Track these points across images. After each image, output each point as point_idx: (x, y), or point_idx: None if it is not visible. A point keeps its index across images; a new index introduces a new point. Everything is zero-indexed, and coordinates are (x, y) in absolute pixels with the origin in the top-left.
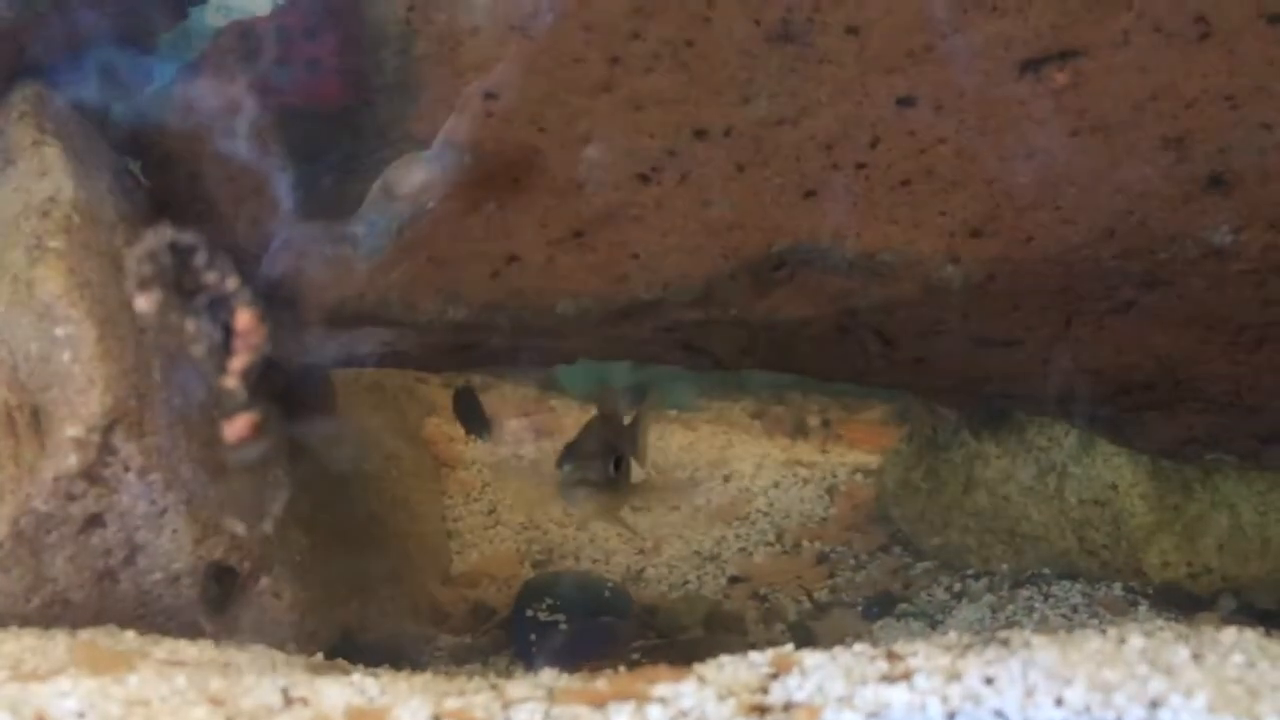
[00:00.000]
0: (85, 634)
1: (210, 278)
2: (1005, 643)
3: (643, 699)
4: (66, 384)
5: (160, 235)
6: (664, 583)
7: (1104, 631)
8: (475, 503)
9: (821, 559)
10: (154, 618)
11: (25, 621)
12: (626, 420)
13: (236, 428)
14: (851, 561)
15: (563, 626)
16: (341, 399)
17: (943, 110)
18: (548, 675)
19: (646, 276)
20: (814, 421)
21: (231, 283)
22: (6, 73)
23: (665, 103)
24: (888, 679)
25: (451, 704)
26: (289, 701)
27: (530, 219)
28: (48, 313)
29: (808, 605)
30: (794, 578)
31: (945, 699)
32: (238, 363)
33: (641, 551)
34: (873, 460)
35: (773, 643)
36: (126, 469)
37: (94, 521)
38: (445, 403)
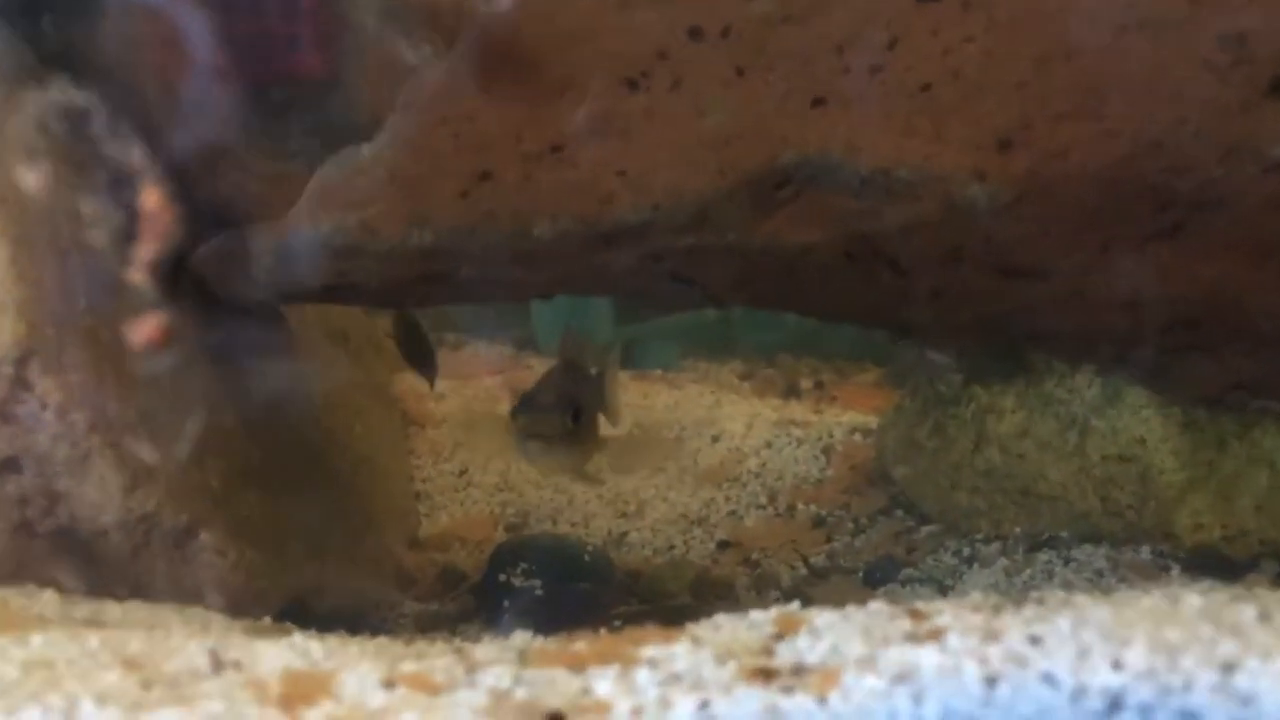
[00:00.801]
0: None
1: (111, 149)
2: (1041, 601)
3: (629, 661)
4: None
5: (50, 96)
6: (648, 547)
7: (1147, 592)
8: (446, 463)
9: (818, 522)
10: (74, 576)
11: None
12: (594, 372)
13: (145, 330)
14: (850, 525)
15: (538, 592)
16: (302, 349)
17: (970, 5)
18: (519, 637)
19: (633, 196)
20: (806, 384)
21: (136, 155)
22: None
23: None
24: (914, 639)
25: (407, 668)
26: (218, 665)
27: (504, 131)
28: None
29: (803, 571)
30: (788, 542)
31: (984, 661)
32: (145, 251)
33: (624, 515)
34: (871, 420)
35: None
36: (43, 407)
37: (7, 466)
38: None
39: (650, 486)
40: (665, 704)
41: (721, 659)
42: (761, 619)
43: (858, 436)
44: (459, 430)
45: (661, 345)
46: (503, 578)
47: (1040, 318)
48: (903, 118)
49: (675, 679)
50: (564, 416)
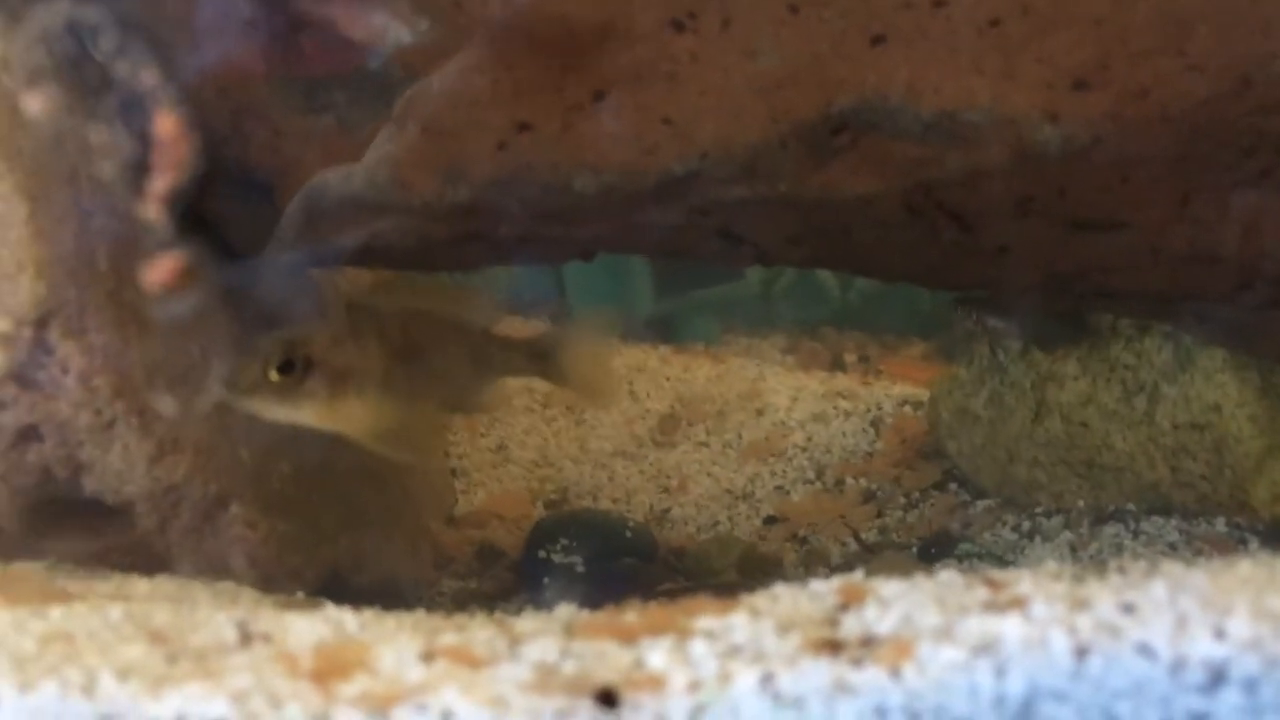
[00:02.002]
0: (17, 566)
1: (122, 69)
2: (1124, 571)
3: (683, 633)
4: None
5: (55, 12)
6: (691, 523)
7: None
8: (483, 439)
9: (868, 497)
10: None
11: None
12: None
13: (160, 270)
14: (902, 500)
15: (580, 569)
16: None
17: None
18: (564, 610)
19: (680, 145)
20: (850, 358)
21: (149, 77)
22: None
23: None
24: (993, 608)
25: (447, 641)
26: (247, 638)
27: (544, 79)
28: None
29: (854, 547)
30: (837, 518)
31: (1073, 630)
32: (160, 183)
33: (666, 490)
34: (921, 392)
35: None
36: (64, 371)
37: (27, 435)
38: None
39: (693, 461)
40: (725, 677)
41: (783, 630)
42: (823, 589)
43: (908, 409)
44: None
45: (702, 319)
46: (542, 554)
47: (1114, 275)
48: (969, 56)
49: (734, 651)
50: (266, 366)
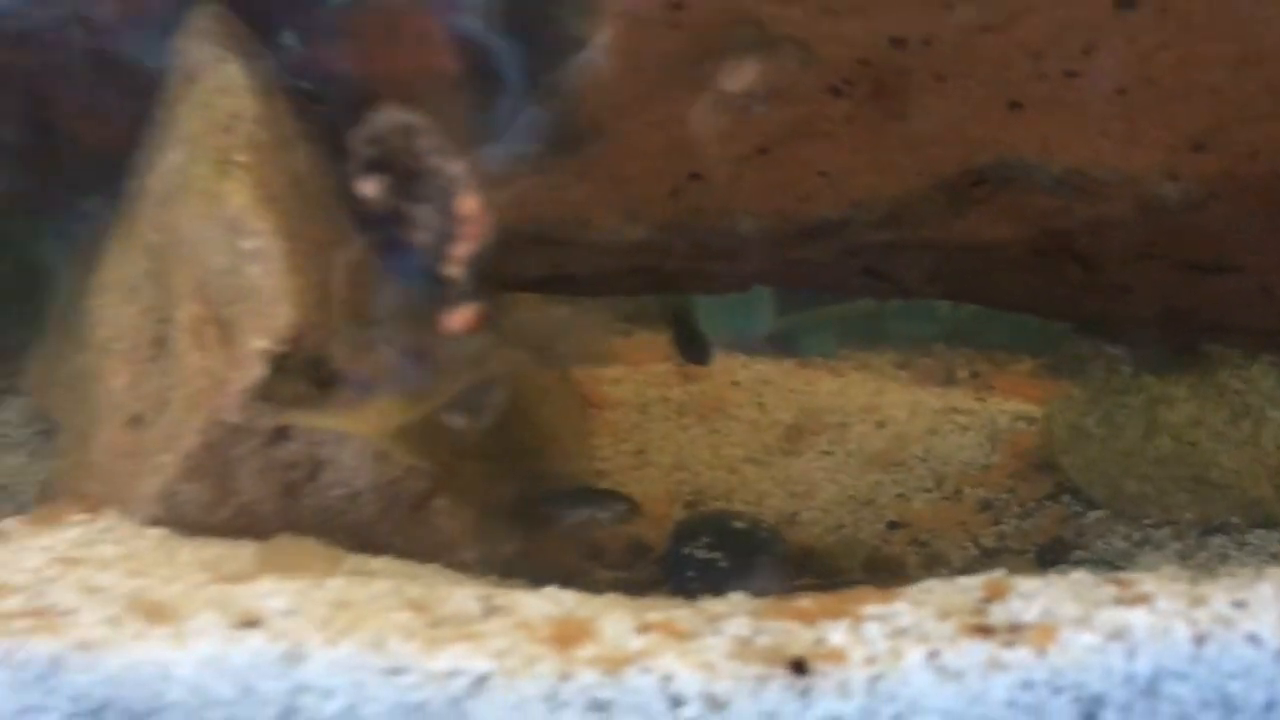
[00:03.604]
0: (272, 545)
1: (436, 161)
2: (1234, 576)
3: (855, 617)
4: (255, 297)
5: (387, 118)
6: (818, 526)
7: None
8: (623, 444)
9: (984, 506)
10: (333, 534)
11: (212, 532)
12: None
13: (460, 318)
14: (1017, 509)
15: (721, 564)
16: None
17: (1167, 12)
18: (737, 596)
19: (834, 195)
20: (962, 374)
21: (458, 167)
22: None
23: (860, 9)
24: (1122, 602)
25: (653, 617)
26: (489, 609)
27: (714, 134)
28: (236, 226)
29: (974, 552)
30: (956, 524)
31: (1192, 621)
32: (463, 249)
33: (794, 495)
34: (1033, 409)
35: None
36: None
37: (280, 435)
38: None
39: (818, 468)
40: (896, 654)
41: (941, 616)
42: (969, 584)
43: (1023, 424)
44: (634, 413)
45: (819, 334)
46: (685, 550)
47: (1227, 311)
48: (1097, 120)
49: (902, 632)
50: (303, 381)
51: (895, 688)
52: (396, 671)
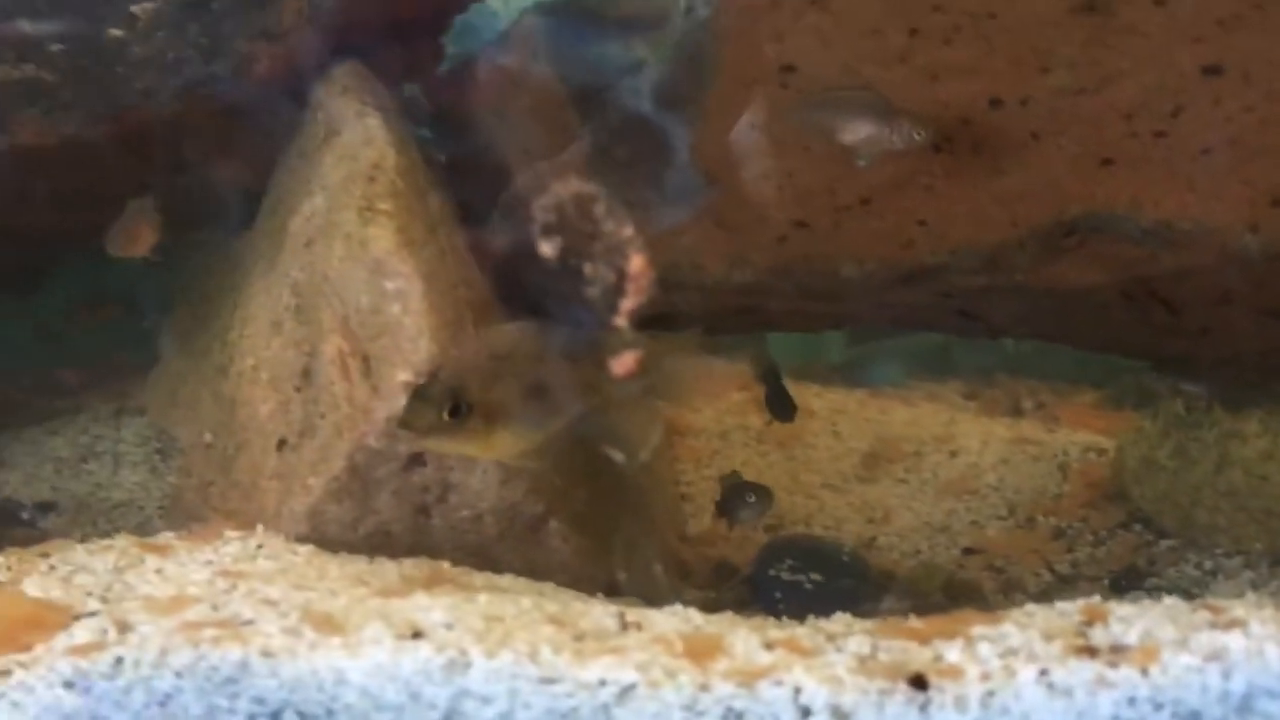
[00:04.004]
0: (409, 562)
1: (609, 226)
2: None
3: (966, 638)
4: (396, 333)
5: (567, 186)
6: (895, 551)
7: None
8: (706, 469)
9: (1058, 534)
10: (457, 552)
11: (352, 549)
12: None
13: (625, 363)
14: (1089, 537)
15: (807, 586)
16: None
17: (1251, 78)
18: (845, 616)
19: (932, 243)
20: (1027, 404)
21: (627, 231)
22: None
23: (962, 73)
24: (1217, 626)
25: (776, 634)
26: (624, 625)
27: (819, 186)
28: (379, 268)
29: (1048, 578)
30: (1030, 551)
31: None
32: (630, 303)
33: (871, 520)
34: (1102, 440)
35: None
36: None
37: (415, 460)
38: None
39: (894, 495)
40: (1009, 671)
41: (1047, 638)
42: (1069, 609)
43: (1093, 455)
44: (715, 439)
45: (888, 364)
46: (772, 572)
47: None
48: (1184, 177)
49: (1012, 652)
50: (440, 410)
51: (1009, 702)
52: (550, 680)
